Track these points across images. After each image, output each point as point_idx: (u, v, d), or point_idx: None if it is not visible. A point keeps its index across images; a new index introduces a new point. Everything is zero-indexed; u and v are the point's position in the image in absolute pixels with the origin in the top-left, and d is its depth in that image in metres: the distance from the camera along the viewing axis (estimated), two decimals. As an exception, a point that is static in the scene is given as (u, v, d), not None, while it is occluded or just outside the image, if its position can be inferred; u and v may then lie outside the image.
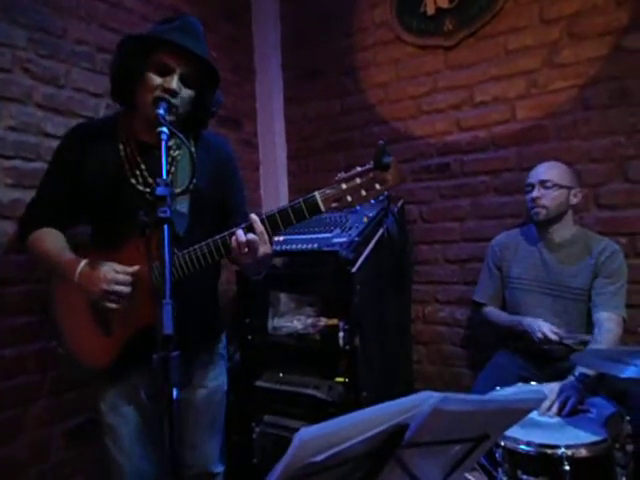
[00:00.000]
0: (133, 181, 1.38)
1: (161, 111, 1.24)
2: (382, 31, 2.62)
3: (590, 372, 1.60)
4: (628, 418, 1.45)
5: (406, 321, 2.54)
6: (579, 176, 2.03)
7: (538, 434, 1.42)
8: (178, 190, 1.35)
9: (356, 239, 2.05)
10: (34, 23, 1.83)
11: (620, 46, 2.05)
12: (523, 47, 2.25)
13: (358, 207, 1.23)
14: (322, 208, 1.17)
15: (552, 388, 1.61)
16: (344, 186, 1.16)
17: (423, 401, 0.69)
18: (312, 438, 0.61)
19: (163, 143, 1.16)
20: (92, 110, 2.02)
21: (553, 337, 1.76)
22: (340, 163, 2.76)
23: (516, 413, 0.88)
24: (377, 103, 2.67)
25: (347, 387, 2.05)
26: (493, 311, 2.10)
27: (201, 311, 1.49)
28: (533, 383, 1.79)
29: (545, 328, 1.79)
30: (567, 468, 1.31)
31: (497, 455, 1.43)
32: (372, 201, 1.19)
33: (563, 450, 1.33)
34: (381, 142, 1.14)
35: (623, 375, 1.29)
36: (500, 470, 1.43)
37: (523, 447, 1.39)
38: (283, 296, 2.34)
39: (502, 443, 1.41)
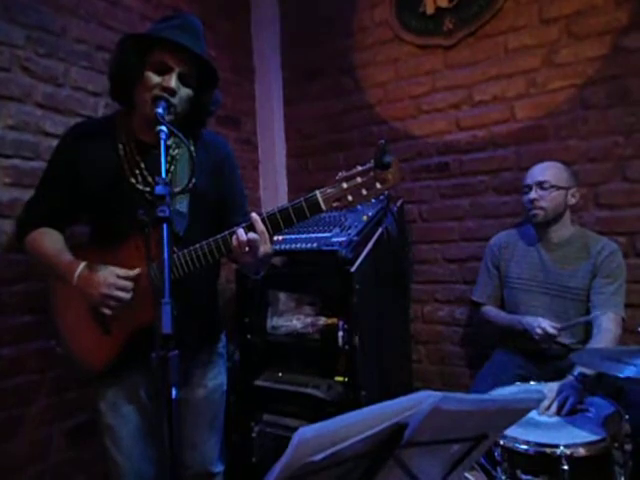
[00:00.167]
0: (132, 180, 1.38)
1: (160, 110, 1.24)
2: (381, 31, 2.62)
3: (589, 372, 1.60)
4: (627, 417, 1.45)
5: (405, 320, 2.54)
6: (578, 176, 2.03)
7: (537, 433, 1.43)
8: (177, 189, 1.35)
9: (355, 238, 2.05)
10: (33, 22, 1.83)
11: (619, 46, 2.05)
12: (522, 47, 2.25)
13: (358, 206, 1.23)
14: (323, 207, 1.16)
15: (551, 388, 1.61)
16: (345, 185, 1.15)
17: (422, 400, 0.69)
18: (311, 437, 0.61)
19: (162, 142, 1.16)
20: (91, 109, 2.02)
21: (552, 331, 1.76)
22: (339, 162, 2.77)
23: (515, 413, 0.88)
24: (376, 102, 2.67)
25: (346, 386, 2.05)
26: (492, 310, 2.10)
27: (200, 310, 1.49)
28: (532, 382, 1.79)
29: (544, 323, 1.79)
30: (566, 467, 1.31)
31: (496, 454, 1.43)
32: (372, 200, 1.19)
33: (562, 449, 1.33)
34: (382, 141, 1.13)
35: (622, 375, 1.30)
36: (499, 469, 1.43)
37: (522, 446, 1.39)
38: (282, 295, 2.33)
39: (501, 442, 1.41)
